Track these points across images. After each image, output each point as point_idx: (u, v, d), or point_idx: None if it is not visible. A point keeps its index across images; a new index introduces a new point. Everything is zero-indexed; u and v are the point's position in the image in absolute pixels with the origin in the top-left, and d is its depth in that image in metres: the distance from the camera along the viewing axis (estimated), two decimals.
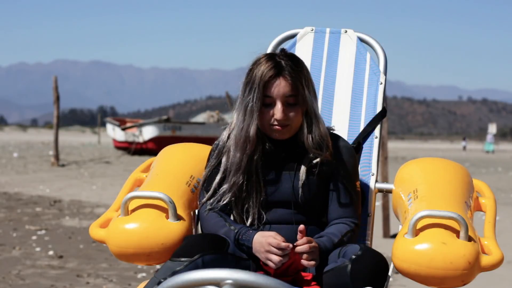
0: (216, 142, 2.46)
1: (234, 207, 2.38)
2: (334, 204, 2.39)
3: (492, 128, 44.94)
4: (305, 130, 2.34)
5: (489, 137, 40.77)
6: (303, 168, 2.35)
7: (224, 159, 2.39)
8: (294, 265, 2.24)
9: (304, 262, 2.18)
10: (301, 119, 2.34)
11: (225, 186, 2.37)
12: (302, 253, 2.18)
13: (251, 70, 2.33)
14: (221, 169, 2.39)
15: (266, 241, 2.19)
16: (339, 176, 2.39)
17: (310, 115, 2.35)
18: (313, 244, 2.20)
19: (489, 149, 39.17)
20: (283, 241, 2.18)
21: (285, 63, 2.32)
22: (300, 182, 2.34)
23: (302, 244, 2.18)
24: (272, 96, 2.30)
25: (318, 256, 2.21)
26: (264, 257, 2.21)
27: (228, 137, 2.41)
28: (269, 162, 2.38)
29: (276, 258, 2.17)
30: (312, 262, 2.19)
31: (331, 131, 2.46)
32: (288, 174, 2.37)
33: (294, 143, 2.38)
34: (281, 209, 2.36)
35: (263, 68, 2.30)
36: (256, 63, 2.34)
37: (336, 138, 2.44)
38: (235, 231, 2.29)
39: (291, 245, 2.18)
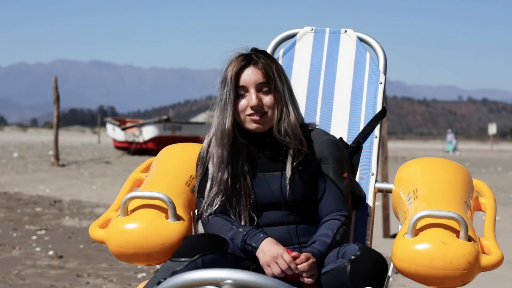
0: (200, 151, 2.48)
1: (230, 210, 2.39)
2: (323, 199, 2.40)
3: (492, 128, 44.73)
4: (275, 119, 2.36)
5: (449, 136, 39.96)
6: (288, 167, 2.36)
7: (210, 165, 2.40)
8: (291, 277, 2.25)
9: (304, 280, 2.21)
10: (276, 109, 2.36)
11: (214, 189, 2.38)
12: (302, 271, 2.20)
13: (224, 70, 2.39)
14: (209, 175, 2.40)
15: (280, 252, 2.21)
16: (325, 171, 2.40)
17: (282, 106, 2.37)
18: (311, 260, 2.22)
19: (450, 148, 38.48)
20: (294, 262, 2.20)
21: (255, 56, 2.38)
22: (287, 181, 2.35)
23: (301, 263, 2.20)
24: (245, 85, 2.35)
25: (316, 270, 2.23)
26: (267, 260, 2.21)
27: (209, 144, 2.42)
28: (255, 164, 2.39)
29: (278, 270, 2.19)
30: (311, 280, 2.21)
31: (313, 127, 2.46)
32: (275, 175, 2.37)
33: (275, 138, 2.39)
34: (272, 211, 2.37)
35: (234, 63, 2.37)
36: (228, 63, 2.39)
37: (319, 132, 2.46)
38: (244, 233, 2.30)
39: (298, 270, 2.20)
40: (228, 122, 2.35)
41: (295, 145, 2.36)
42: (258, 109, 2.34)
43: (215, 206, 2.37)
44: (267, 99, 2.36)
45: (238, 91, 2.36)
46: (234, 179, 2.37)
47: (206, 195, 2.39)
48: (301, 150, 2.37)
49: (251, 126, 2.36)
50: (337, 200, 2.40)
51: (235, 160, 2.37)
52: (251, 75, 2.35)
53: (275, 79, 2.36)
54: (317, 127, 2.48)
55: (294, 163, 2.36)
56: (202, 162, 2.44)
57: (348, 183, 2.45)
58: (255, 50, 2.42)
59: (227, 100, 2.35)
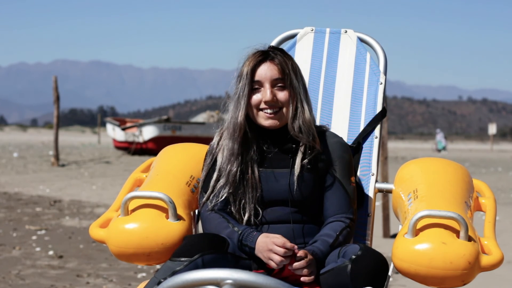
0: (211, 143, 2.50)
1: (232, 204, 2.39)
2: (329, 200, 2.41)
3: (492, 128, 44.66)
4: (289, 115, 2.37)
5: (439, 136, 39.81)
6: (297, 164, 2.37)
7: (219, 157, 2.41)
8: (292, 276, 2.24)
9: (303, 278, 2.20)
10: (291, 105, 2.37)
11: (221, 181, 2.39)
12: (300, 269, 2.19)
13: (241, 66, 2.42)
14: (217, 167, 2.41)
15: (270, 241, 2.21)
16: (333, 172, 2.41)
17: (297, 103, 2.38)
18: (309, 257, 2.21)
19: (440, 147, 38.37)
20: (288, 242, 2.20)
21: (273, 52, 2.40)
22: (296, 179, 2.35)
23: (299, 260, 2.19)
24: (260, 80, 2.37)
25: (315, 267, 2.23)
26: (266, 256, 2.21)
27: (221, 137, 2.43)
28: (264, 160, 2.40)
29: (277, 258, 2.18)
30: (311, 277, 2.21)
31: (326, 129, 2.48)
32: (284, 172, 2.38)
33: (287, 136, 2.40)
34: (278, 207, 2.37)
35: (251, 58, 2.39)
36: (245, 58, 2.42)
37: (330, 134, 2.47)
38: (239, 232, 2.30)
39: (296, 246, 2.19)
40: (240, 116, 2.36)
41: (308, 142, 2.37)
42: (272, 104, 2.36)
43: (221, 197, 2.38)
44: (282, 95, 2.37)
45: (253, 86, 2.37)
46: (242, 172, 2.38)
47: (212, 185, 2.40)
48: (313, 147, 2.38)
49: (265, 122, 2.38)
50: (343, 202, 2.40)
51: (245, 154, 2.39)
52: (267, 71, 2.37)
53: (290, 76, 2.37)
54: (327, 129, 2.49)
55: (304, 161, 2.37)
56: (212, 153, 2.45)
57: (354, 187, 2.45)
58: (272, 48, 2.44)
59: (241, 94, 2.37)
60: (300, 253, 2.21)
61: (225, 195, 2.38)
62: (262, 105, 2.37)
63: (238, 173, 2.37)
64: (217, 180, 2.40)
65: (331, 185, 2.41)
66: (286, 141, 2.41)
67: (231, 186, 2.37)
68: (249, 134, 2.39)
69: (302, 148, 2.39)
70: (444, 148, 37.92)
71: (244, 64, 2.39)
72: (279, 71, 2.37)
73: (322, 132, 2.46)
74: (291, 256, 2.20)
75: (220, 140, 2.45)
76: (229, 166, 2.38)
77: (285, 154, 2.41)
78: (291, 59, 2.42)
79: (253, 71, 2.37)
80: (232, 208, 2.39)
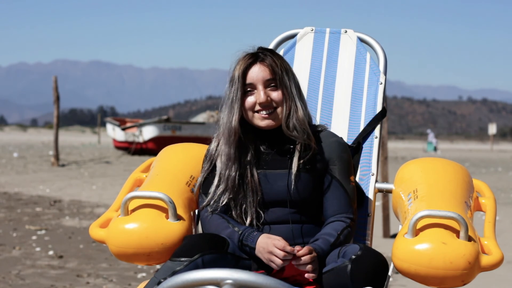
0: (208, 147, 2.50)
1: (233, 209, 2.38)
2: (329, 200, 2.40)
3: (492, 128, 44.62)
4: (284, 115, 2.37)
5: (430, 136, 39.33)
6: (295, 163, 2.36)
7: (218, 162, 2.41)
8: (292, 277, 2.24)
9: (307, 275, 2.19)
10: (285, 105, 2.37)
11: (221, 186, 2.38)
12: (304, 264, 2.19)
13: (232, 69, 2.41)
14: (217, 172, 2.41)
15: (271, 243, 2.20)
16: (332, 172, 2.41)
17: (290, 101, 2.38)
18: (313, 254, 2.21)
19: (430, 149, 37.79)
20: (288, 245, 2.19)
21: (262, 54, 2.40)
22: (293, 179, 2.35)
23: (304, 255, 2.19)
24: (252, 82, 2.37)
25: (317, 265, 2.23)
26: (266, 257, 2.21)
27: (219, 142, 2.43)
28: (262, 162, 2.40)
29: (278, 261, 2.18)
30: (313, 275, 2.20)
31: (324, 128, 2.47)
32: (282, 173, 2.38)
33: (284, 136, 2.40)
34: (277, 208, 2.37)
35: (241, 62, 2.39)
36: (236, 62, 2.41)
37: (328, 134, 2.47)
38: (239, 232, 2.30)
39: (295, 250, 2.19)
40: (234, 120, 2.36)
41: (303, 140, 2.37)
42: (267, 105, 2.36)
43: (221, 203, 2.38)
44: (275, 95, 2.37)
45: (246, 89, 2.37)
46: (241, 176, 2.38)
47: (213, 191, 2.40)
48: (309, 145, 2.38)
49: (261, 123, 2.38)
50: (343, 202, 2.40)
51: (242, 157, 2.39)
52: (258, 72, 2.37)
53: (282, 75, 2.37)
54: (326, 129, 2.49)
55: (301, 160, 2.37)
56: (210, 158, 2.45)
57: (354, 187, 2.45)
58: (261, 49, 2.44)
59: (234, 98, 2.37)
60: (305, 249, 2.20)
61: (225, 200, 2.38)
62: (257, 107, 2.37)
63: (237, 178, 2.37)
64: (217, 186, 2.40)
65: (330, 185, 2.40)
66: (283, 141, 2.41)
67: (231, 192, 2.37)
68: (242, 137, 2.39)
69: (299, 147, 2.39)
70: (434, 149, 37.58)
71: (234, 68, 2.39)
72: (270, 72, 2.37)
73: (320, 131, 2.46)
74: (289, 260, 2.20)
75: (218, 145, 2.44)
76: (227, 172, 2.38)
77: (283, 155, 2.41)
78: (280, 58, 2.42)
79: (244, 74, 2.37)
80: (233, 213, 2.39)
